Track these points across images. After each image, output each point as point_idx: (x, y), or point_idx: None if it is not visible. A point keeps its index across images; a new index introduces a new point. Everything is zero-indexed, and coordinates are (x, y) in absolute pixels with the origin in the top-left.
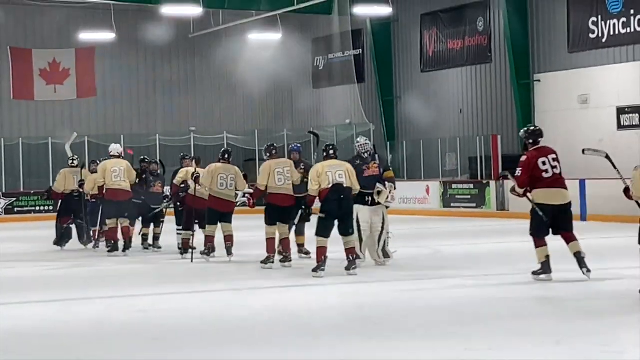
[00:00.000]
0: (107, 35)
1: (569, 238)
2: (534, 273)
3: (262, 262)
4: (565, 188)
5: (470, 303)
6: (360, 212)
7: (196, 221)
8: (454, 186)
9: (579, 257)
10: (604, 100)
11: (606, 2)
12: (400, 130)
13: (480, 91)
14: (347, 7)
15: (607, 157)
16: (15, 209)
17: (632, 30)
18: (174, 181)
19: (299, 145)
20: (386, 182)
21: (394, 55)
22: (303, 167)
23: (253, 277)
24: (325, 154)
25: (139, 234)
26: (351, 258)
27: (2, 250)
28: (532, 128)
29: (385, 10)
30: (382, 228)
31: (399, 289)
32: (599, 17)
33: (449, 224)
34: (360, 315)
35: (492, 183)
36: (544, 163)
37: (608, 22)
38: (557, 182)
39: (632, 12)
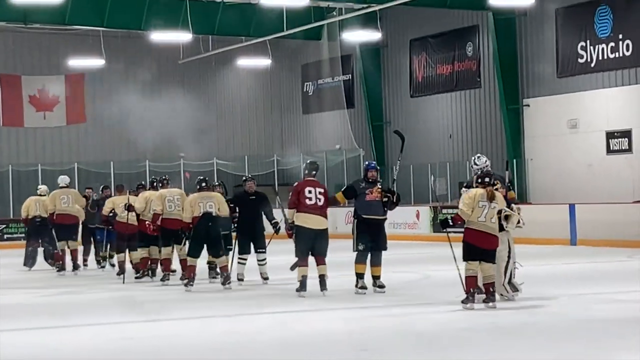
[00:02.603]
0: (96, 62)
1: (319, 261)
2: (297, 290)
3: (160, 279)
4: (325, 217)
5: (460, 327)
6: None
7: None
8: (444, 211)
9: (323, 280)
10: (593, 124)
11: (594, 27)
12: (390, 155)
13: (470, 116)
14: (336, 32)
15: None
16: (5, 236)
17: (621, 54)
18: (103, 211)
19: (374, 163)
20: (512, 205)
21: (384, 81)
22: (380, 186)
23: (239, 302)
24: (198, 186)
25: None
26: (225, 274)
27: None
28: (313, 163)
29: (374, 36)
30: (509, 257)
31: (389, 315)
32: (588, 41)
33: (439, 249)
34: (349, 341)
35: None
36: (309, 192)
37: (596, 46)
38: (317, 210)
39: (620, 36)
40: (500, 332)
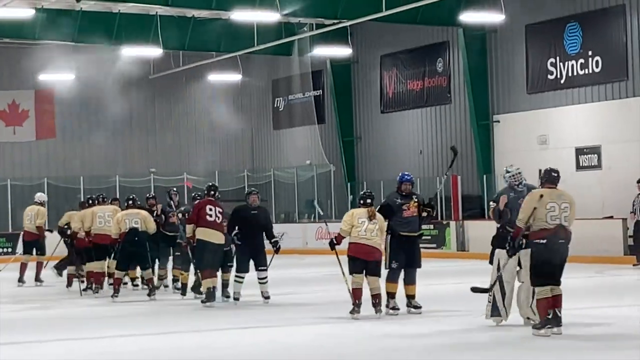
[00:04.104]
0: (66, 77)
1: (213, 274)
2: (202, 302)
3: (91, 290)
4: (223, 232)
5: (432, 342)
6: (503, 258)
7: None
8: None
9: (213, 291)
10: (562, 141)
11: (564, 44)
12: (361, 171)
13: (440, 132)
14: (307, 48)
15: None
16: None
17: (590, 71)
18: (59, 223)
19: (408, 174)
20: None
21: (354, 96)
22: (417, 199)
23: (212, 317)
24: (126, 203)
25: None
26: (150, 287)
27: None
28: (212, 185)
29: (345, 52)
30: None
31: (360, 329)
32: (557, 58)
33: None
34: (320, 355)
35: (452, 224)
36: (210, 209)
37: (566, 63)
38: (217, 226)
39: (589, 53)
40: (473, 348)
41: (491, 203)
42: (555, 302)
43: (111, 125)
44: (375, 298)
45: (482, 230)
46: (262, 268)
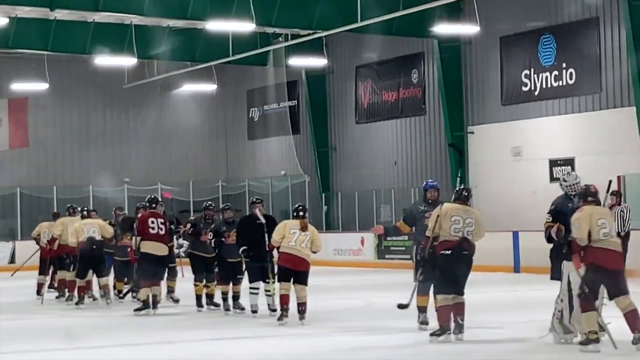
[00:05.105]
0: (40, 86)
1: (157, 283)
2: (135, 310)
3: (69, 299)
4: (166, 244)
5: (404, 354)
6: (573, 271)
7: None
8: (388, 238)
9: (155, 300)
10: (536, 152)
11: (538, 56)
12: (335, 181)
13: (415, 143)
14: (282, 58)
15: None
16: None
17: (564, 83)
18: (32, 234)
19: (433, 181)
20: None
21: (329, 107)
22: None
23: (187, 328)
24: (81, 214)
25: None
26: (103, 293)
27: None
28: (153, 197)
29: (320, 62)
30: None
31: (331, 342)
32: (532, 70)
33: (384, 276)
34: None
35: None
36: (152, 222)
37: (540, 75)
38: (159, 238)
39: (564, 65)
40: (442, 357)
41: (547, 216)
42: (456, 310)
43: (85, 135)
44: (301, 306)
45: None
46: (269, 280)
